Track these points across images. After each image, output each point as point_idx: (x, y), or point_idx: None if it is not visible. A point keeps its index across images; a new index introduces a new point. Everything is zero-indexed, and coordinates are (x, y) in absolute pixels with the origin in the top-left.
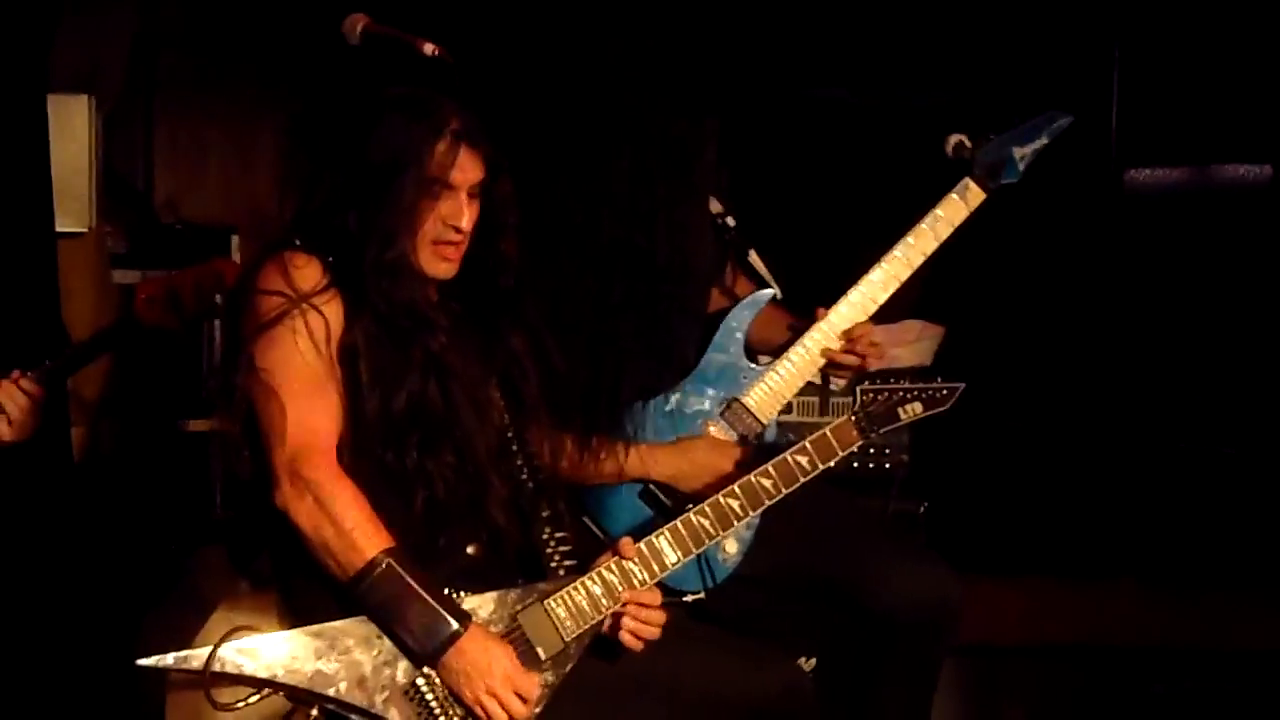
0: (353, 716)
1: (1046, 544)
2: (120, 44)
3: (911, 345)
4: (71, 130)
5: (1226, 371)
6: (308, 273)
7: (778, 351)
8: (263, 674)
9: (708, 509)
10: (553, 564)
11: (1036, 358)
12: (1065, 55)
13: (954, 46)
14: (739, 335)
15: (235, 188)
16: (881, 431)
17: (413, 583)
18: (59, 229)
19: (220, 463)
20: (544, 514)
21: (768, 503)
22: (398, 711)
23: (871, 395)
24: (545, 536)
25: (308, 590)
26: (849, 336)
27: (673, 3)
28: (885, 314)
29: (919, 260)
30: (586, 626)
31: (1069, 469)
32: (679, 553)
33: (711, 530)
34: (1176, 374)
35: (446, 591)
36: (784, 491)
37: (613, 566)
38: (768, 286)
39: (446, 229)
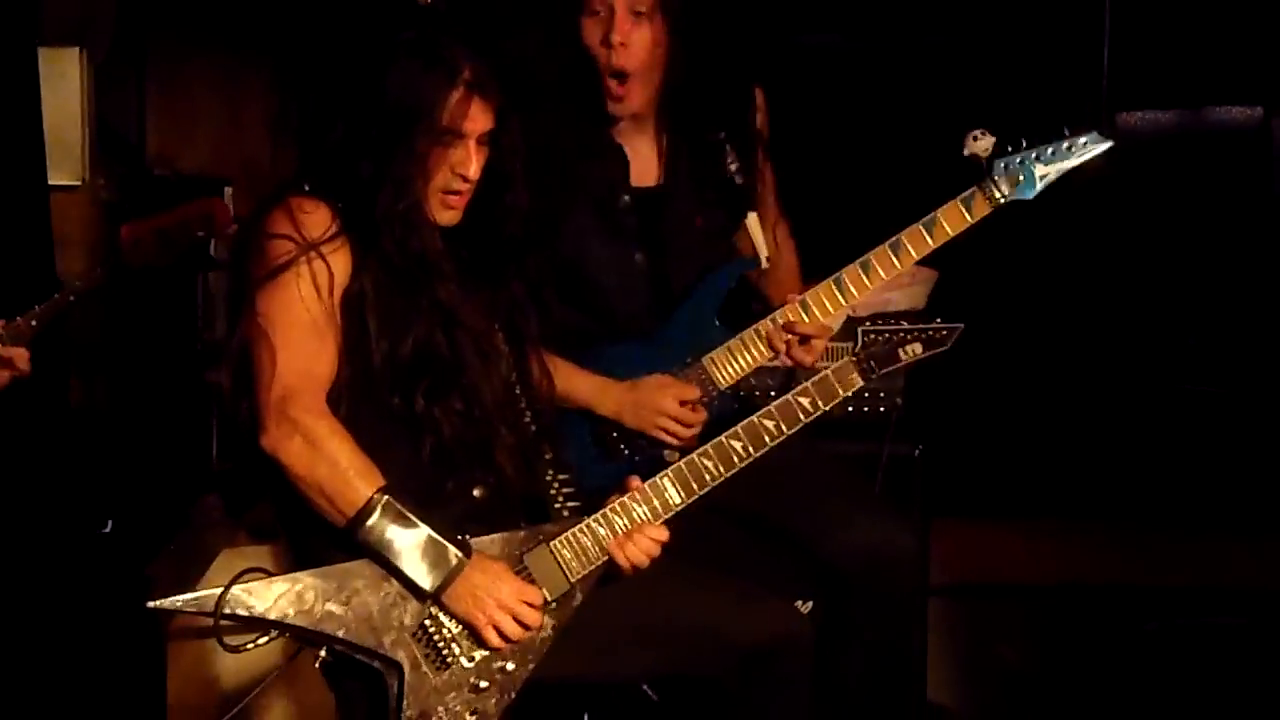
0: (360, 657)
1: (1041, 485)
2: None
3: (905, 289)
4: (63, 83)
5: (1219, 313)
6: (316, 218)
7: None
8: (272, 615)
9: (711, 450)
10: (556, 505)
11: (1029, 300)
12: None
13: None
14: (713, 296)
15: (228, 140)
16: (882, 373)
17: (414, 517)
18: (52, 182)
19: (218, 413)
20: (547, 457)
21: (770, 444)
22: (405, 652)
23: (872, 336)
24: (549, 479)
25: (312, 538)
26: (792, 331)
27: None
28: None
29: (907, 263)
30: (591, 567)
31: (1063, 411)
32: (683, 493)
33: (715, 471)
34: (1169, 315)
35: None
36: (786, 433)
37: (617, 508)
38: (757, 250)
39: (454, 178)
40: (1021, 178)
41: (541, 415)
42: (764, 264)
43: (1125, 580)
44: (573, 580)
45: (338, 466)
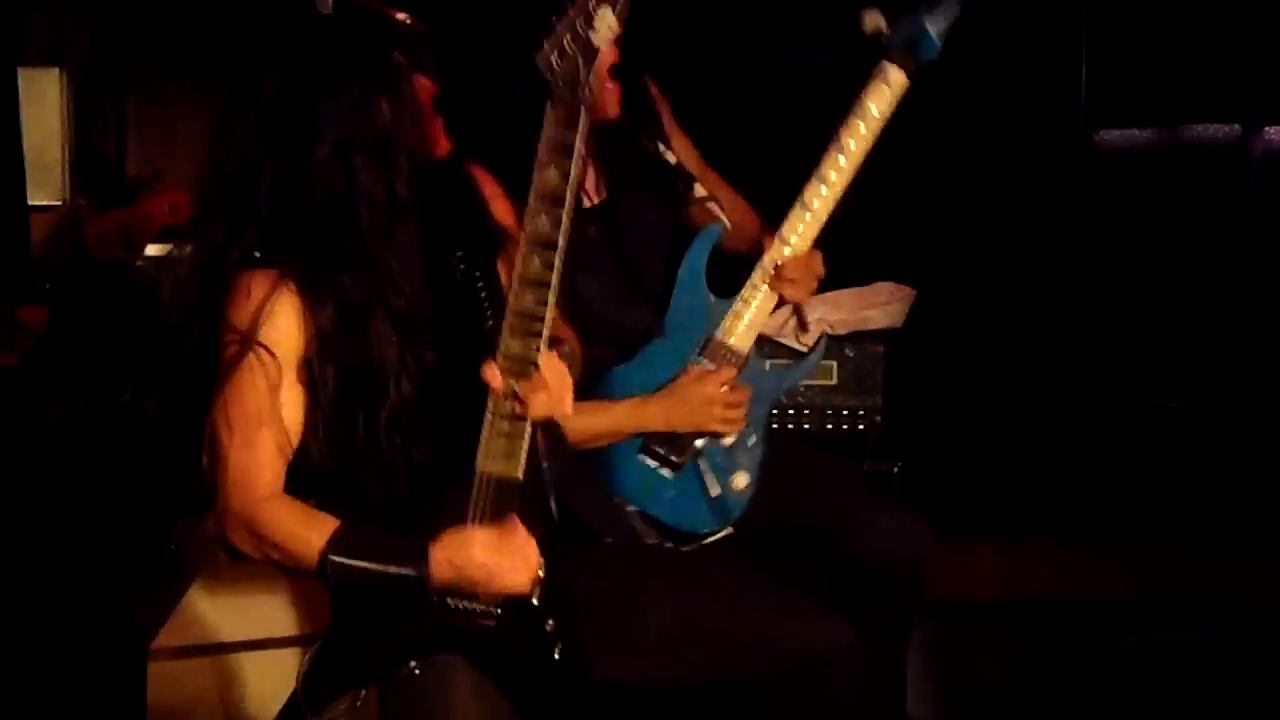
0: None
1: (1018, 502)
2: (88, 15)
3: (882, 307)
4: (43, 104)
5: (1196, 330)
6: (256, 298)
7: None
8: (347, 683)
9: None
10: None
11: (1007, 318)
12: (1035, 15)
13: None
14: (698, 273)
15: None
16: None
17: (363, 564)
18: (32, 202)
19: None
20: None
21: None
22: (462, 625)
23: (552, 60)
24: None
25: None
26: (782, 269)
27: None
28: (857, 276)
29: (853, 160)
30: (523, 453)
31: (1041, 427)
32: (529, 347)
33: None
34: (1147, 333)
35: (389, 538)
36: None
37: (498, 394)
38: (717, 220)
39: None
40: (918, 38)
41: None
42: (727, 226)
43: (1103, 596)
44: (520, 476)
45: (283, 547)
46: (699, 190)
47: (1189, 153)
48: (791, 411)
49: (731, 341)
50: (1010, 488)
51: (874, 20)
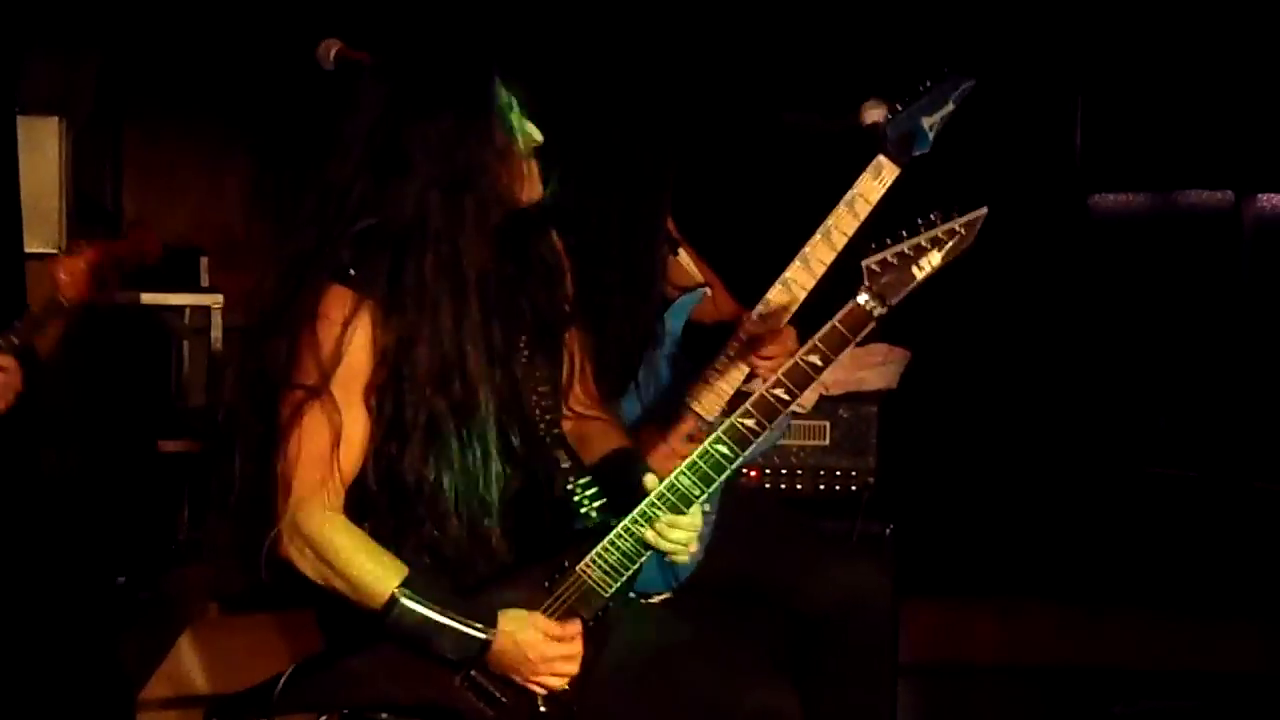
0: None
1: (1011, 566)
2: (89, 66)
3: (877, 368)
4: (42, 152)
5: (1190, 395)
6: (336, 319)
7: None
8: (331, 700)
9: (723, 434)
10: (583, 510)
11: (1002, 380)
12: (1030, 81)
13: (922, 72)
14: (675, 335)
15: (205, 209)
16: (895, 302)
17: (430, 613)
18: (29, 250)
19: (189, 483)
20: (564, 465)
21: (783, 413)
22: (462, 702)
23: (877, 266)
24: (570, 487)
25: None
26: (759, 344)
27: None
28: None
29: (841, 242)
30: (623, 579)
31: (1035, 491)
32: (702, 486)
33: (730, 454)
34: (1141, 397)
35: (466, 594)
36: (798, 395)
37: (638, 517)
38: (698, 286)
39: (528, 163)
40: (914, 133)
41: (555, 422)
42: (707, 293)
43: (1093, 662)
44: (607, 595)
45: (349, 576)
46: (682, 257)
47: (1182, 218)
48: (784, 471)
49: (696, 407)
50: (1003, 552)
51: (875, 113)
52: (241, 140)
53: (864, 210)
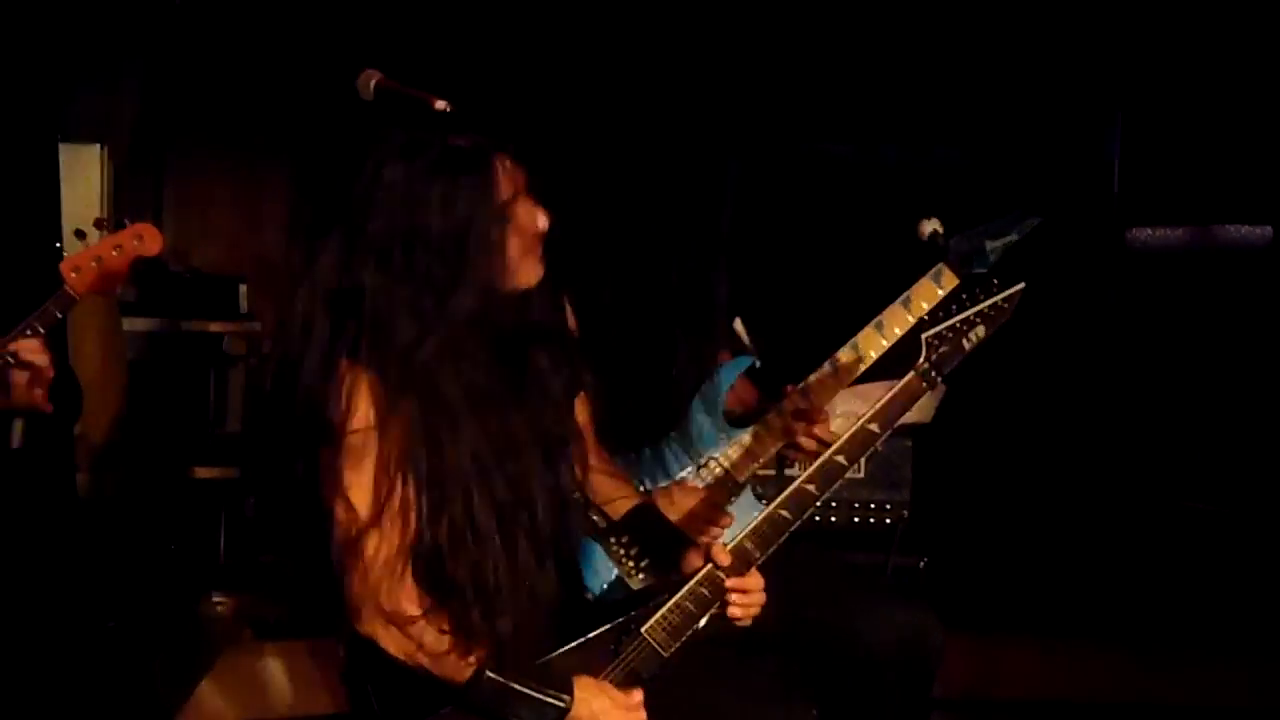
0: None
1: (1044, 601)
2: (131, 95)
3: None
4: (83, 179)
5: (1228, 431)
6: (348, 394)
7: (743, 419)
8: None
9: (786, 499)
10: (632, 573)
11: (1037, 415)
12: (1068, 115)
13: (960, 107)
14: (721, 396)
15: (243, 237)
16: (948, 372)
17: (513, 685)
18: None
19: (225, 509)
20: (601, 526)
21: (840, 480)
22: None
23: (935, 340)
24: (616, 549)
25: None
26: (801, 418)
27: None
28: (886, 370)
29: (892, 338)
30: (684, 639)
31: (1068, 526)
32: (763, 549)
33: (791, 517)
34: (1177, 432)
35: (541, 664)
36: (857, 460)
37: (703, 580)
38: (747, 352)
39: (534, 240)
40: (976, 252)
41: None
42: (757, 363)
43: (1126, 699)
44: (667, 655)
45: (435, 654)
46: (737, 324)
47: (1220, 253)
48: (819, 504)
49: (729, 467)
50: (1038, 586)
51: (931, 227)
52: (280, 169)
53: (918, 311)
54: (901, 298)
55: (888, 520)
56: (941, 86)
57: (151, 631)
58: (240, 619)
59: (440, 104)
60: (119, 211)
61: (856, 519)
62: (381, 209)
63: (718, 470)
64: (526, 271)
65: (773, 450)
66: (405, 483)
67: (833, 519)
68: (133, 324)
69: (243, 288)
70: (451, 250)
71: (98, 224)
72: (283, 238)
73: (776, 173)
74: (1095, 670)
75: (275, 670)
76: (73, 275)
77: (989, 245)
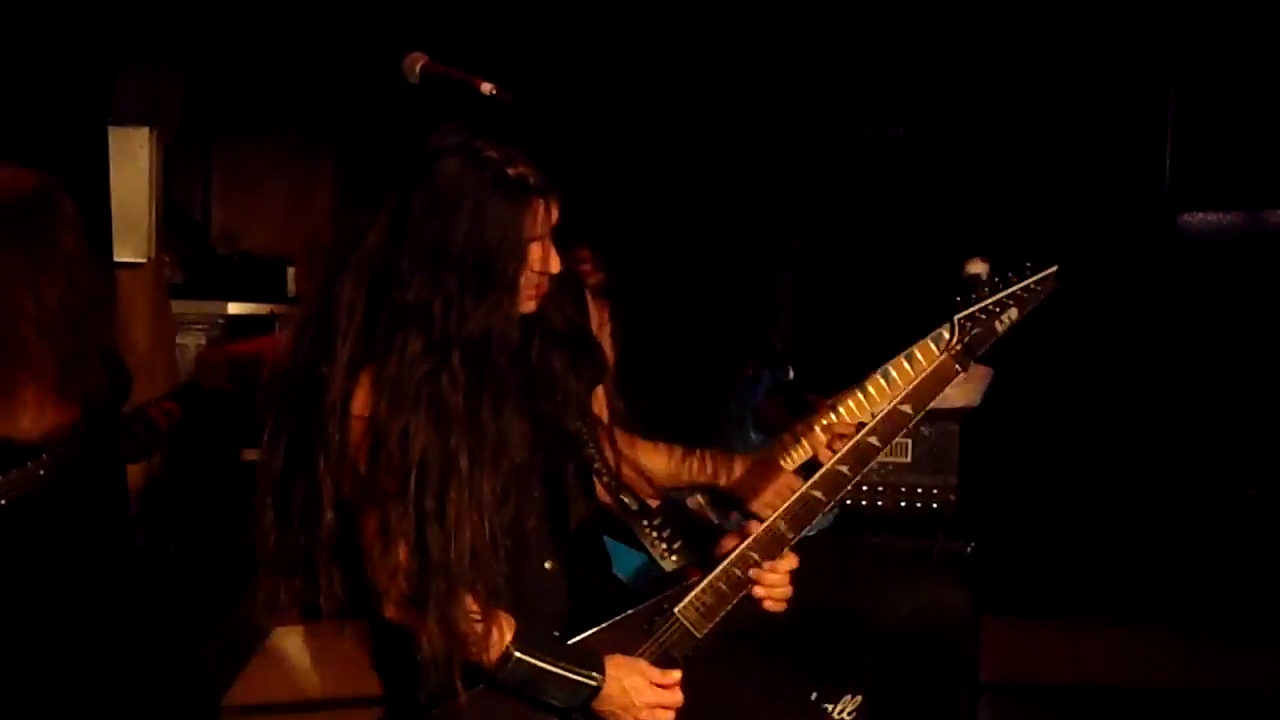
0: None
1: (1089, 585)
2: (180, 78)
3: (959, 386)
4: (132, 162)
5: (1277, 416)
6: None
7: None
8: None
9: (819, 479)
10: (661, 548)
11: (1086, 399)
12: (1120, 99)
13: (1010, 90)
14: (750, 402)
15: (291, 220)
16: (981, 353)
17: (545, 664)
18: (117, 259)
19: None
20: (633, 509)
21: (873, 461)
22: None
23: (968, 322)
24: (645, 527)
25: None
26: (829, 432)
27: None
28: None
29: (919, 372)
30: (717, 619)
31: (1116, 511)
32: (796, 529)
33: (824, 499)
34: (1228, 418)
35: (573, 644)
36: (889, 443)
37: (736, 559)
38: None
39: (538, 276)
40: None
41: (605, 471)
42: (790, 375)
43: (1174, 685)
44: (700, 636)
45: (462, 634)
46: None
47: (1271, 238)
48: (866, 489)
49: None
50: (1085, 570)
51: (977, 267)
52: (328, 152)
53: (918, 370)
54: (932, 335)
55: (934, 505)
56: (993, 68)
57: (201, 613)
58: (288, 600)
59: (487, 87)
60: (168, 195)
61: (903, 503)
62: (426, 200)
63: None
64: (525, 304)
65: (798, 463)
66: (413, 473)
67: (879, 503)
68: (181, 307)
69: (291, 270)
70: (470, 266)
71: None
72: (330, 220)
73: (837, 162)
74: (1143, 655)
75: (323, 651)
76: (206, 371)
77: (999, 327)
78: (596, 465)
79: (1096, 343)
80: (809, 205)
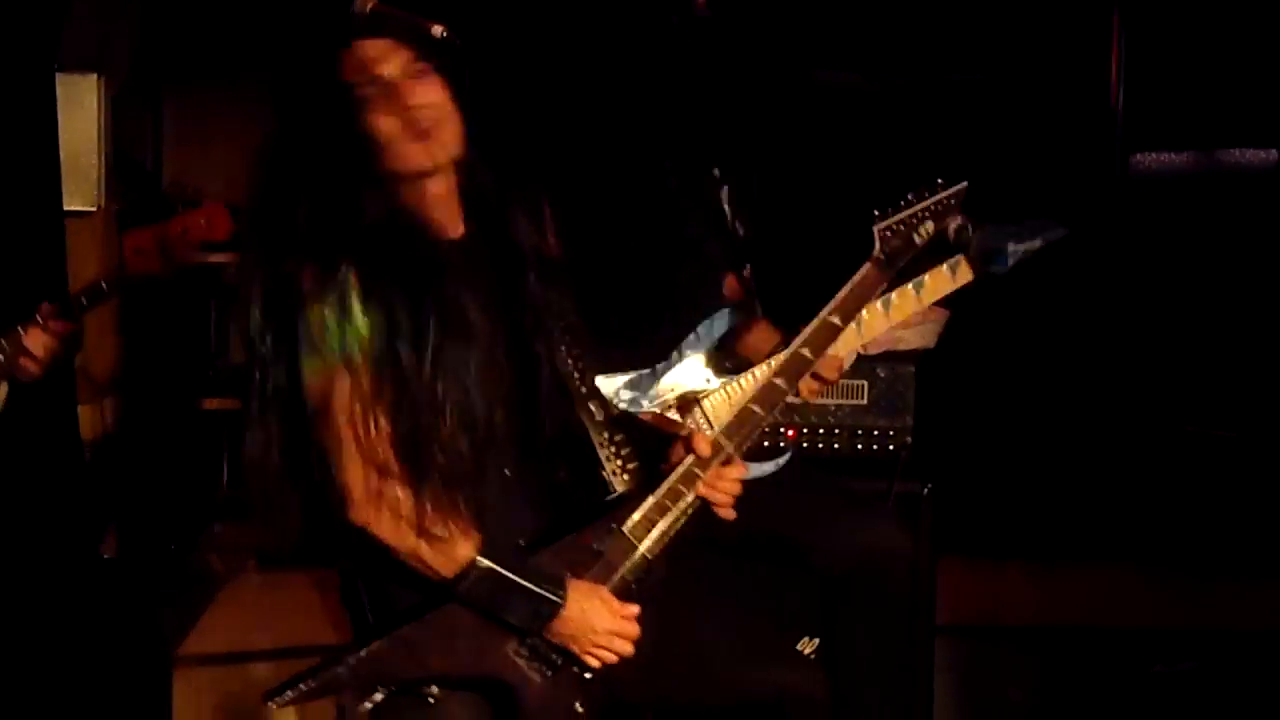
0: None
1: (1048, 526)
2: (129, 24)
3: (915, 327)
4: (81, 109)
5: (1230, 356)
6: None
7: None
8: (391, 677)
9: (757, 394)
10: (615, 464)
11: (1041, 342)
12: (1069, 40)
13: (958, 30)
14: (712, 338)
15: (242, 169)
16: (902, 264)
17: (508, 576)
18: (67, 208)
19: (229, 440)
20: (598, 419)
21: (807, 372)
22: (515, 672)
23: (888, 233)
24: (604, 441)
25: (392, 585)
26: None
27: None
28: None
29: (896, 319)
30: (667, 539)
31: (1072, 451)
32: (738, 445)
33: (762, 412)
34: (1180, 358)
35: (532, 561)
36: (822, 354)
37: (681, 476)
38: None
39: (406, 117)
40: (998, 251)
41: (566, 380)
42: (759, 313)
43: (1132, 622)
44: (651, 557)
45: (427, 534)
46: (747, 271)
47: (1224, 177)
48: (821, 431)
49: (709, 412)
50: (1041, 511)
51: (959, 227)
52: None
53: (928, 300)
54: (913, 281)
55: (891, 447)
56: (941, 7)
57: (155, 562)
58: (244, 550)
59: (437, 29)
60: (118, 143)
61: (859, 445)
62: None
63: (695, 410)
64: (416, 155)
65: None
66: (377, 377)
67: (835, 445)
68: None
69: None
70: (330, 147)
71: (172, 189)
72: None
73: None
74: (1100, 594)
75: (279, 601)
76: (134, 256)
77: (1011, 248)
78: (569, 369)
79: (1049, 283)
80: (757, 146)
